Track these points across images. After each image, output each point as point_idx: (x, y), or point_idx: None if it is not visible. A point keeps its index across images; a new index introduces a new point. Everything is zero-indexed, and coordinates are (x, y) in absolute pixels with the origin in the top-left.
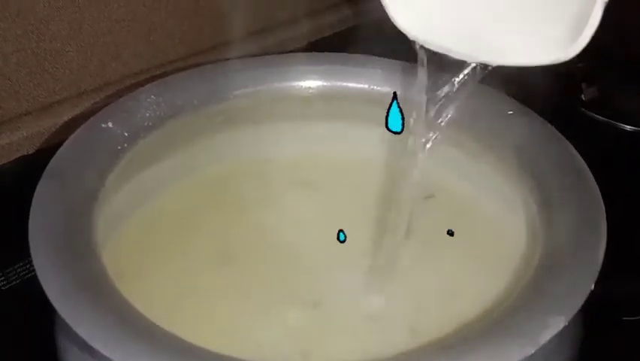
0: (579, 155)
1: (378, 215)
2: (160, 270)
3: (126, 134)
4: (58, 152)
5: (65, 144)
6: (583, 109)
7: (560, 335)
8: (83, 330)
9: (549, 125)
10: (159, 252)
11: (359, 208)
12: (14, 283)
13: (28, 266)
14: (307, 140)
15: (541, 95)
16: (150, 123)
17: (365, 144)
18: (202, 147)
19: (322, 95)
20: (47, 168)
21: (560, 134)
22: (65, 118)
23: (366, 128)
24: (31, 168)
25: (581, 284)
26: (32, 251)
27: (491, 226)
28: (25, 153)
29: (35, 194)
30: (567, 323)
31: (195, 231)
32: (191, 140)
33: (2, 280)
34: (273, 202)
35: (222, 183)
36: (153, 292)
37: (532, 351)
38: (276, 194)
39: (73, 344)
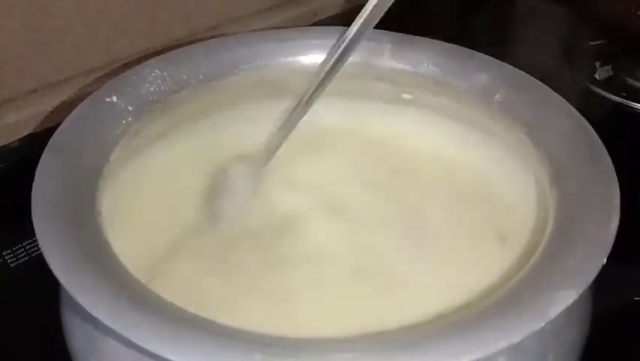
0: (592, 129)
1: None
2: (165, 245)
3: (130, 108)
4: (62, 126)
5: (68, 117)
6: (596, 88)
7: (569, 312)
8: (84, 299)
9: (561, 98)
10: (164, 227)
11: (372, 185)
12: (22, 260)
13: (35, 244)
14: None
15: (554, 73)
16: (155, 98)
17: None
18: (208, 122)
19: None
20: (50, 141)
21: (572, 107)
22: (72, 96)
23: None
24: (38, 147)
25: (593, 258)
26: (35, 222)
27: (501, 199)
28: (32, 132)
29: (38, 167)
30: (578, 298)
31: (201, 207)
32: (197, 115)
33: (11, 257)
34: (283, 180)
35: (228, 158)
36: (157, 267)
37: (541, 325)
38: (286, 173)
39: (77, 315)
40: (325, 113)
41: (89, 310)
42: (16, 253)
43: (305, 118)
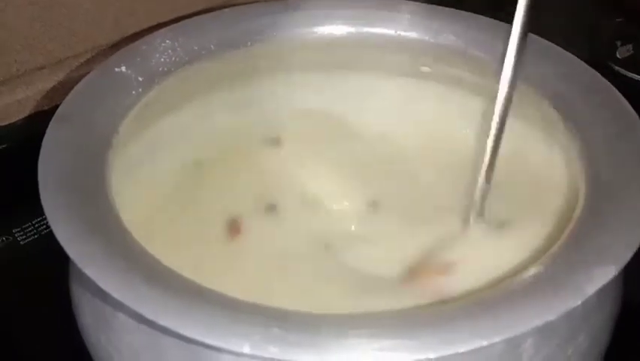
0: (626, 102)
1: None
2: (173, 219)
3: (140, 79)
4: (69, 95)
5: (76, 87)
6: (617, 67)
7: (600, 290)
8: (93, 272)
9: (592, 70)
10: (173, 201)
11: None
12: (32, 237)
13: (45, 222)
14: (331, 91)
15: (574, 51)
16: (165, 68)
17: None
18: (219, 95)
19: (349, 42)
20: (57, 111)
21: (605, 80)
22: (81, 73)
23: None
24: (46, 124)
25: (631, 233)
26: (41, 193)
27: (533, 173)
28: (41, 109)
29: (45, 137)
30: (616, 274)
31: (210, 182)
32: (209, 87)
33: (21, 235)
34: (292, 154)
35: (240, 133)
36: (167, 240)
37: (579, 302)
38: (295, 147)
39: (86, 290)
40: (334, 89)
41: (98, 283)
42: (26, 230)
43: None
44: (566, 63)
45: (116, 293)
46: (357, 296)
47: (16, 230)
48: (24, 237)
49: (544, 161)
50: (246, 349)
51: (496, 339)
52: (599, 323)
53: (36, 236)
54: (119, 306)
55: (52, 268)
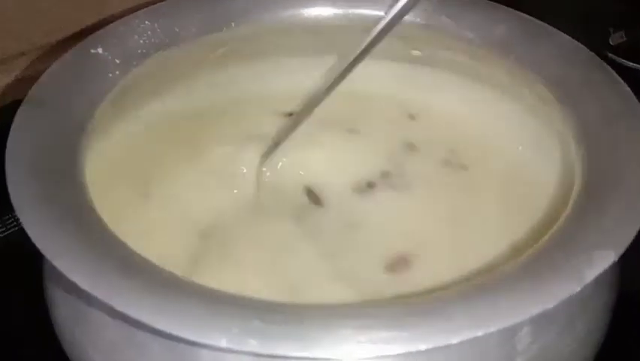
0: (624, 82)
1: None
2: (149, 204)
3: (117, 61)
4: (42, 77)
5: (50, 69)
6: (610, 54)
7: (597, 277)
8: (61, 262)
9: (588, 51)
10: (150, 186)
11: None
12: (12, 230)
13: None
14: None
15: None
16: (144, 51)
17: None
18: (200, 79)
19: (336, 24)
20: (29, 94)
21: (601, 60)
22: None
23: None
24: None
25: (631, 216)
26: (8, 179)
27: (528, 158)
28: (20, 98)
29: (15, 120)
30: (617, 259)
31: (188, 164)
32: (189, 71)
33: (0, 228)
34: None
35: (220, 117)
36: (141, 229)
37: (578, 289)
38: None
39: (59, 282)
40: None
41: (66, 274)
42: (5, 223)
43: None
44: (561, 45)
45: (85, 284)
46: None
47: None
48: (4, 229)
49: (540, 145)
50: (224, 343)
51: (494, 328)
52: (597, 312)
53: (16, 228)
54: (92, 300)
55: (32, 260)
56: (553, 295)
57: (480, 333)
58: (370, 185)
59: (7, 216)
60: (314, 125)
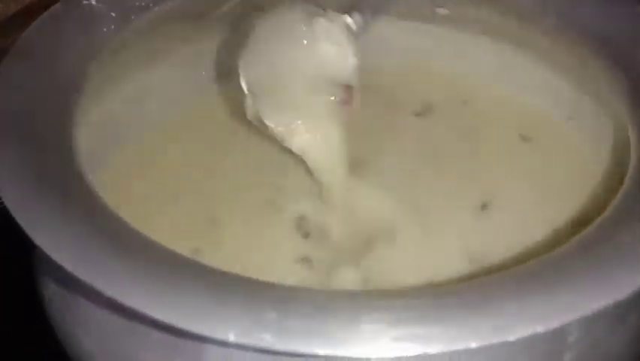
0: None
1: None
2: (144, 177)
3: (113, 14)
4: (29, 29)
5: (38, 20)
6: None
7: None
8: (43, 239)
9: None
10: (145, 159)
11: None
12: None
13: None
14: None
15: None
16: (143, 3)
17: None
18: (205, 42)
19: None
20: (15, 45)
21: None
22: None
23: None
24: None
25: None
26: None
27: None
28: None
29: None
30: None
31: (186, 139)
32: (193, 32)
33: None
34: None
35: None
36: (135, 199)
37: None
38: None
39: (47, 262)
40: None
41: (49, 253)
42: None
43: None
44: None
45: (68, 264)
46: None
47: None
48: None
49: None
50: (232, 337)
51: (556, 324)
52: None
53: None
54: (79, 282)
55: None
56: (622, 284)
57: (540, 329)
58: None
59: None
60: None
